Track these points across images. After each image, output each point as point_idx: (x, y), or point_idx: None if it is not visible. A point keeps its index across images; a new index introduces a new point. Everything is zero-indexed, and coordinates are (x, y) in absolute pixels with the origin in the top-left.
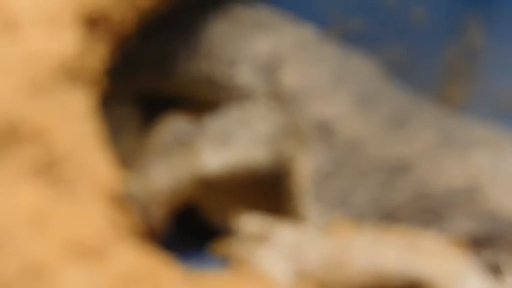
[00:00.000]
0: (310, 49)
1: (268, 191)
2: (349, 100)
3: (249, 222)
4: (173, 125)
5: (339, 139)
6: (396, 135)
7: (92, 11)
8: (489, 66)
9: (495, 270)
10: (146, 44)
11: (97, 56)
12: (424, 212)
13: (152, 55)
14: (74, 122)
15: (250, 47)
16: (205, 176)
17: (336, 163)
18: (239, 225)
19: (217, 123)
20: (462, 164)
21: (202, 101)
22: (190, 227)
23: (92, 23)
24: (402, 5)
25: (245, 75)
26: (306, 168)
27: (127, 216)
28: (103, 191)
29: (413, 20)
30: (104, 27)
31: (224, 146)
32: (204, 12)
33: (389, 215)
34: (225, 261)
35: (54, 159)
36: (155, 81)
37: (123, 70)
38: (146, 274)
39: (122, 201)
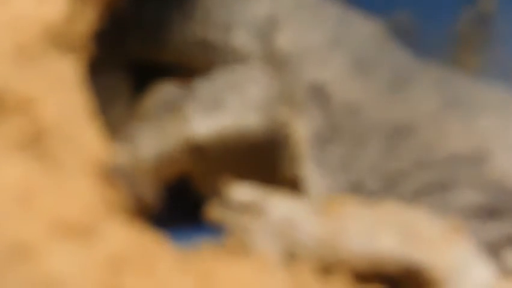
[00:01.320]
0: (309, 11)
1: (262, 158)
2: (346, 63)
3: (240, 193)
4: (163, 91)
5: (335, 103)
6: (396, 99)
7: None
8: (503, 32)
9: (497, 248)
10: (138, 8)
11: (85, 20)
12: (426, 181)
13: (143, 20)
14: (62, 91)
15: (246, 10)
16: (195, 143)
17: (333, 128)
18: (229, 195)
19: (208, 87)
20: (468, 128)
21: (196, 68)
22: (182, 203)
23: None
24: None
25: (241, 39)
26: (302, 133)
27: (118, 191)
28: (92, 165)
29: None
30: None
31: (215, 110)
32: None
33: (390, 182)
34: (219, 228)
35: (41, 131)
36: (147, 47)
37: (113, 36)
38: (137, 253)
39: (111, 175)
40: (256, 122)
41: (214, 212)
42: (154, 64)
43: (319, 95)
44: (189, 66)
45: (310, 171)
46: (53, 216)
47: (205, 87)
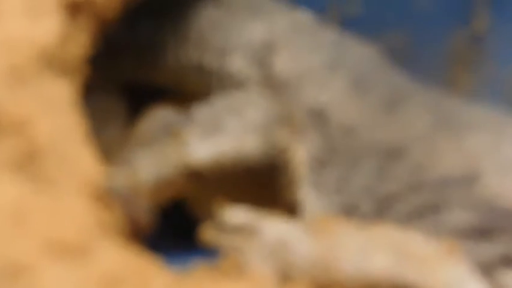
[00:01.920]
0: (305, 35)
1: (260, 182)
2: (343, 86)
3: (234, 215)
4: (160, 115)
5: (333, 126)
6: (390, 120)
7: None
8: (496, 52)
9: (490, 268)
10: (133, 30)
11: (79, 43)
12: (419, 202)
13: (138, 42)
14: (56, 112)
15: (242, 34)
16: (193, 167)
17: (330, 150)
18: (223, 217)
19: (206, 111)
20: (459, 149)
21: (191, 91)
22: (178, 224)
23: (75, 8)
24: None
25: (237, 63)
26: (301, 157)
27: (112, 212)
28: (86, 186)
29: (416, 5)
30: (87, 12)
31: (213, 134)
32: None
33: (383, 204)
34: (213, 251)
35: (35, 152)
36: (142, 70)
37: (108, 58)
38: (131, 274)
39: (106, 196)
40: (255, 147)
41: (208, 234)
42: (149, 87)
43: (317, 117)
44: (184, 89)
45: (306, 194)
46: (47, 236)
47: (203, 112)
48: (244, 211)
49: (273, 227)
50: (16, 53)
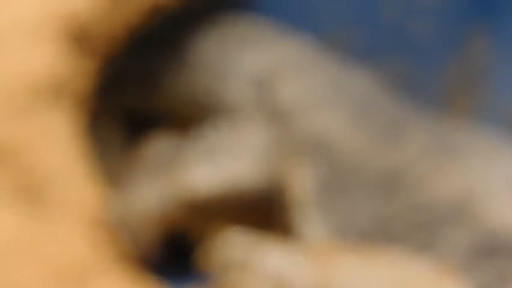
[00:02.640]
0: (305, 63)
1: (261, 208)
2: (345, 114)
3: (233, 244)
4: (159, 143)
5: (336, 152)
6: (389, 145)
7: (76, 28)
8: (494, 80)
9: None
10: (133, 60)
11: (80, 74)
12: (417, 227)
13: (139, 71)
14: (55, 142)
15: (241, 62)
16: (193, 196)
17: (334, 175)
18: (222, 245)
19: (206, 139)
20: (455, 174)
21: (191, 118)
22: (180, 251)
23: (76, 40)
24: (404, 18)
25: (236, 91)
26: (303, 184)
27: (112, 241)
28: (86, 215)
29: (414, 31)
30: (89, 44)
31: (213, 163)
32: (193, 26)
33: (387, 232)
34: (211, 278)
35: (34, 182)
36: (142, 98)
37: (110, 87)
38: None
39: (107, 225)
40: (255, 174)
41: (207, 262)
42: (148, 114)
43: (319, 144)
44: (184, 116)
45: (309, 217)
46: (46, 267)
47: (202, 140)
48: (243, 237)
49: (273, 258)
50: (15, 84)
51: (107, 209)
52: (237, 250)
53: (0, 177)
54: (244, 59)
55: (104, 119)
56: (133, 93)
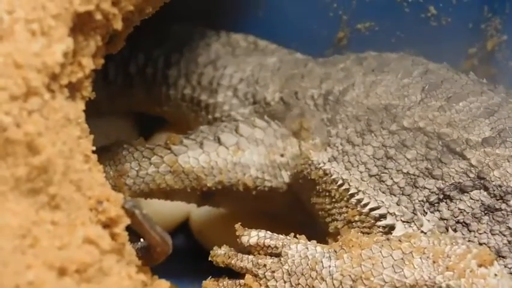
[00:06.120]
0: (295, 71)
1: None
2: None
3: (256, 236)
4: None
5: (347, 102)
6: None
7: (82, 17)
8: (509, 67)
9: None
10: (143, 61)
11: (87, 62)
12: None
13: (147, 73)
14: (65, 133)
15: (234, 74)
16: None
17: (355, 132)
18: (245, 238)
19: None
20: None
21: (189, 122)
22: (185, 249)
23: (81, 28)
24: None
25: (230, 98)
26: (321, 159)
27: (123, 237)
28: (97, 210)
29: (428, 24)
30: (94, 33)
31: (208, 145)
32: (198, 36)
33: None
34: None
35: (44, 175)
36: (149, 99)
37: (120, 87)
38: None
39: (130, 215)
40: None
41: (221, 255)
42: (156, 115)
43: (330, 99)
44: (184, 120)
45: (340, 171)
46: (57, 264)
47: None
48: (262, 232)
49: (298, 246)
50: (24, 74)
51: (128, 205)
52: (262, 240)
53: (8, 171)
54: (233, 70)
55: (114, 115)
56: (141, 95)
